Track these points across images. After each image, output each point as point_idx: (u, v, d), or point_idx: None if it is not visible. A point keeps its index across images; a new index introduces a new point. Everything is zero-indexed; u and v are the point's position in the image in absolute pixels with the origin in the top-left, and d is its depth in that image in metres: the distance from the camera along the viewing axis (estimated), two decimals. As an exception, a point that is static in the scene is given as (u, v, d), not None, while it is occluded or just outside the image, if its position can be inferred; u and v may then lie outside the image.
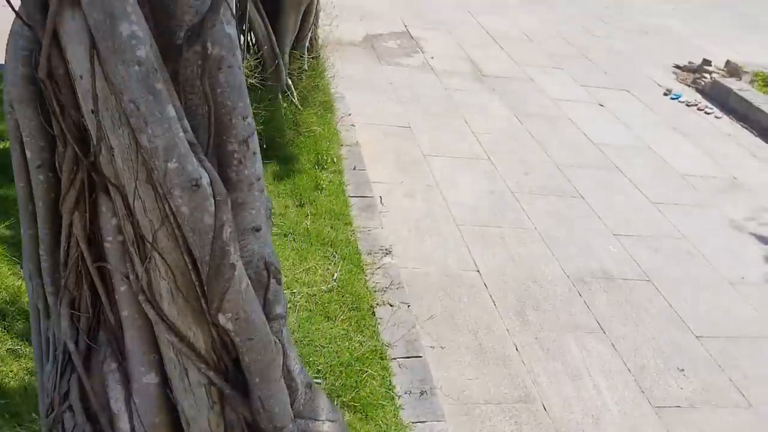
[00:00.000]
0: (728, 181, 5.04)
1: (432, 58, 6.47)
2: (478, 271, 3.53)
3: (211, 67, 1.23)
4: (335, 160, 3.93)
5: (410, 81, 5.84)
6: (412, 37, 6.92)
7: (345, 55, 6.11)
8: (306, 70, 3.89)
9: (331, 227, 3.32)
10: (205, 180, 1.21)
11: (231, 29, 1.25)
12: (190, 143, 1.19)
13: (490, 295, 3.37)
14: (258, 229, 1.38)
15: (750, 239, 4.34)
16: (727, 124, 6.05)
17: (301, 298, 2.78)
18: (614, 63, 7.14)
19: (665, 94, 6.48)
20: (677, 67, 7.29)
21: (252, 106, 3.20)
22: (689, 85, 6.83)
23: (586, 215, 4.27)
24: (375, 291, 2.95)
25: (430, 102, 5.50)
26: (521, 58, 6.84)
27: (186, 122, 1.20)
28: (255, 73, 3.48)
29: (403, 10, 7.68)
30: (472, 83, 6.07)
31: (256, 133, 1.36)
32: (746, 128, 6.00)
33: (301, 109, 3.81)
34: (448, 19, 7.69)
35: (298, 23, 3.75)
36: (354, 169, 3.98)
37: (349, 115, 4.53)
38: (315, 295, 2.81)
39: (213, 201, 1.23)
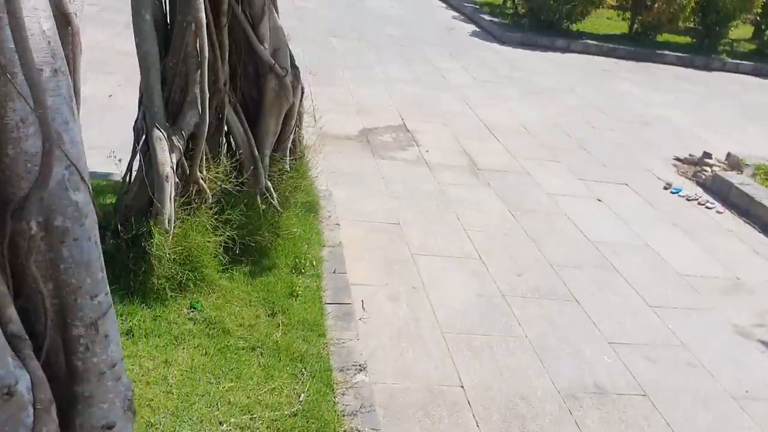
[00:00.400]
0: (731, 282, 4.84)
1: (427, 151, 6.42)
2: (462, 386, 3.31)
3: (53, 240, 1.09)
4: (314, 263, 3.79)
5: (403, 175, 5.77)
6: (408, 130, 6.91)
7: (339, 150, 6.09)
8: (288, 171, 3.80)
9: (303, 339, 3.14)
10: (23, 385, 1.03)
11: (80, 196, 1.12)
12: (13, 336, 1.01)
13: (474, 415, 3.14)
14: (110, 427, 1.20)
15: (755, 347, 4.11)
16: (729, 220, 5.90)
17: (261, 423, 2.58)
18: (613, 155, 7.08)
19: (665, 188, 6.37)
20: (678, 159, 7.22)
21: (226, 212, 3.09)
22: (690, 179, 6.72)
23: (580, 321, 4.06)
24: (344, 415, 2.75)
25: (423, 197, 5.40)
26: (518, 151, 6.79)
27: (11, 310, 1.03)
28: (231, 177, 3.39)
29: (401, 103, 7.71)
30: (467, 177, 5.99)
31: (112, 311, 1.21)
32: (749, 224, 5.84)
33: (281, 211, 3.70)
34: (446, 111, 7.70)
35: (279, 126, 3.68)
36: (334, 272, 3.83)
37: (330, 215, 4.43)
38: (278, 420, 2.61)
39: (32, 411, 1.04)
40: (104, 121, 5.28)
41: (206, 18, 3.15)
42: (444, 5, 15.60)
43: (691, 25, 13.85)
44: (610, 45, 12.57)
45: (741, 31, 14.26)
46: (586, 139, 7.46)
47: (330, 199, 4.66)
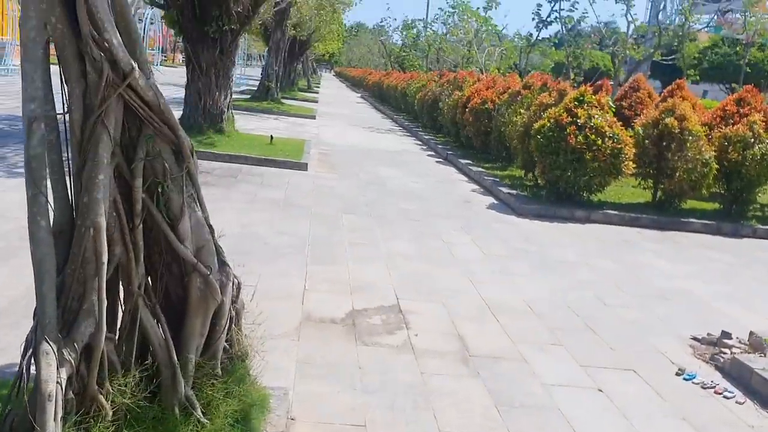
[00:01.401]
0: (750, 495, 4.15)
1: (416, 335, 6.05)
2: None
3: None
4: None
5: (383, 365, 5.37)
6: (400, 311, 6.58)
7: (319, 335, 5.78)
8: (219, 377, 3.48)
9: None
10: None
11: None
12: None
13: None
14: None
15: None
16: (750, 412, 5.23)
17: None
18: (623, 336, 6.56)
19: (677, 374, 5.78)
20: (695, 339, 6.64)
21: (131, 430, 2.72)
22: (707, 362, 6.12)
23: None
24: None
25: (400, 392, 4.95)
26: (518, 334, 6.35)
27: None
28: (141, 388, 3.09)
29: (400, 281, 7.46)
30: (455, 366, 5.54)
31: None
32: (774, 418, 5.16)
33: (206, 423, 3.33)
34: (446, 289, 7.40)
35: (207, 327, 3.43)
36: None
37: (280, 420, 4.01)
38: None
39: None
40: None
41: (119, 219, 3.02)
42: (466, 179, 15.83)
43: (718, 190, 13.59)
44: (633, 214, 12.33)
45: (770, 195, 13.93)
46: (595, 318, 6.99)
47: (284, 400, 4.26)
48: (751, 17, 29.00)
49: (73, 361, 2.81)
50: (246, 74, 54.99)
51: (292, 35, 39.55)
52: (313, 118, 28.16)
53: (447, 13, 39.35)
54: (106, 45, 2.77)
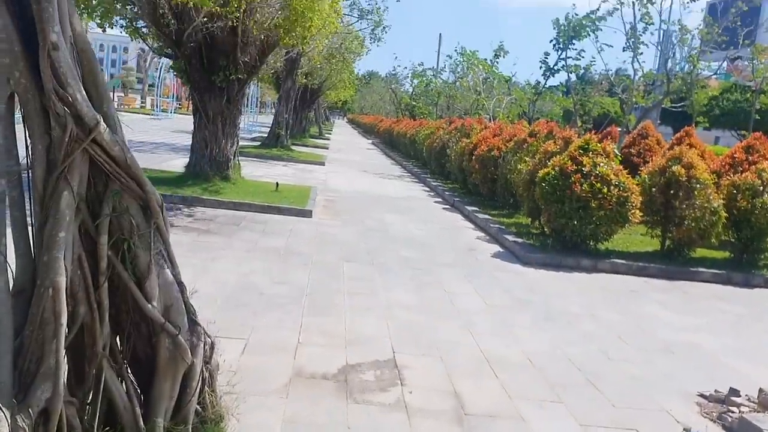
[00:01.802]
0: None
1: (410, 392, 5.85)
2: None
3: None
4: None
5: (373, 425, 5.17)
6: (396, 366, 6.39)
7: (310, 393, 5.60)
8: (190, 440, 3.32)
9: None
10: None
11: None
12: None
13: None
14: None
15: None
16: (760, 479, 4.97)
17: None
18: (627, 392, 6.33)
19: (682, 435, 5.54)
20: (702, 396, 6.39)
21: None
22: (714, 421, 5.87)
23: None
24: None
25: (389, 453, 4.76)
26: (517, 390, 6.13)
27: None
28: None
29: (397, 333, 7.28)
30: (449, 426, 5.33)
31: None
32: (784, 484, 4.89)
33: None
34: (445, 341, 7.20)
35: (177, 389, 3.29)
36: None
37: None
38: None
39: None
40: None
41: (84, 277, 2.92)
42: (472, 226, 15.70)
43: (728, 238, 13.36)
44: (640, 263, 12.11)
45: (783, 244, 13.66)
46: (597, 373, 6.76)
47: (262, 464, 4.09)
48: (759, 64, 29.08)
49: (27, 428, 2.68)
50: (259, 121, 55.69)
51: (303, 84, 40.12)
52: (322, 164, 28.30)
53: (456, 62, 39.83)
54: (70, 100, 2.71)
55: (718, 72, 29.83)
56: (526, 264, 11.76)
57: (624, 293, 10.48)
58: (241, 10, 13.36)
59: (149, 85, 77.61)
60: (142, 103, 70.96)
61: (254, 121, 58.79)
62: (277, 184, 16.01)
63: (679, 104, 24.89)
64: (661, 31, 21.98)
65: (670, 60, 24.03)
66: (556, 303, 9.32)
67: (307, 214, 13.98)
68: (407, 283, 9.43)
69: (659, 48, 25.36)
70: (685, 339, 8.26)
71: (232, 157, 15.74)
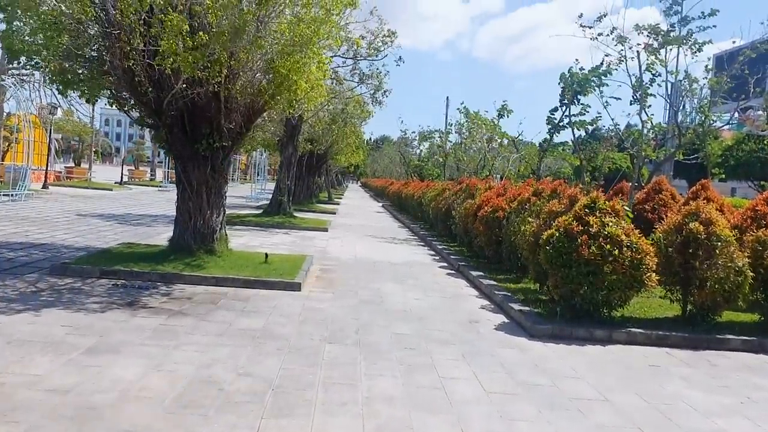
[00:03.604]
0: None
1: None
2: None
3: None
4: None
5: None
6: (365, 483, 5.26)
7: None
8: None
9: None
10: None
11: None
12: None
13: None
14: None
15: None
16: None
17: None
18: None
19: None
20: None
21: None
22: None
23: None
24: None
25: None
26: None
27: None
28: None
29: (373, 435, 6.15)
30: None
31: None
32: None
33: None
34: (429, 444, 6.07)
35: None
36: None
37: None
38: None
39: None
40: None
41: None
42: (476, 293, 14.60)
43: (756, 299, 12.12)
44: (660, 332, 10.89)
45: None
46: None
47: None
48: (772, 113, 28.09)
49: None
50: (268, 188, 55.26)
51: (309, 149, 39.73)
52: (325, 230, 27.43)
53: (460, 123, 39.34)
54: None
55: (731, 122, 28.92)
56: (533, 337, 10.61)
57: (643, 369, 9.27)
58: (223, 75, 12.72)
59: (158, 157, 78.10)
60: (151, 175, 71.19)
61: (263, 189, 58.47)
62: (266, 255, 15.06)
63: (693, 156, 23.90)
64: (669, 83, 21.15)
65: (680, 112, 23.19)
66: (564, 386, 8.14)
67: (295, 287, 12.97)
68: (395, 368, 8.31)
69: (667, 99, 24.52)
70: (716, 427, 7.03)
71: (219, 229, 14.86)
